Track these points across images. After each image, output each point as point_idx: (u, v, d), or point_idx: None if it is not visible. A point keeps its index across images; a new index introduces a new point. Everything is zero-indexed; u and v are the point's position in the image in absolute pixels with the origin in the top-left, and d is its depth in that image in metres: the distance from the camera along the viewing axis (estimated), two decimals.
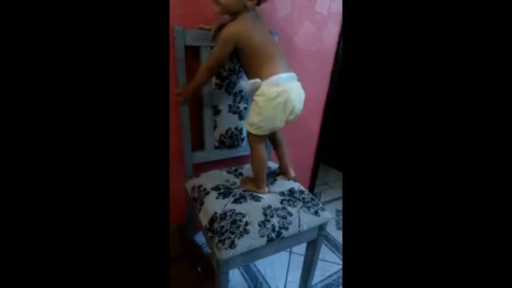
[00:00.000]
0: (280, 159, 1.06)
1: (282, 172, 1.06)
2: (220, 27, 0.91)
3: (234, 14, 0.82)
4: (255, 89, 0.85)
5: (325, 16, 1.22)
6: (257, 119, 0.86)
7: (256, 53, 0.82)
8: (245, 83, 0.87)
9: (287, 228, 0.84)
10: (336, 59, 1.36)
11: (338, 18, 1.26)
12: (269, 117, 0.84)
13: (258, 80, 0.82)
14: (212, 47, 0.94)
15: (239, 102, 1.05)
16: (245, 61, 0.86)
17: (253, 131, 0.89)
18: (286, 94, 0.82)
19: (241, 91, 1.04)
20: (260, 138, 0.91)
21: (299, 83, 0.87)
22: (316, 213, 0.91)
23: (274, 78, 0.81)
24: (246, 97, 1.06)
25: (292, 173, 1.06)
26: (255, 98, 0.85)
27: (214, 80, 0.98)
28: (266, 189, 0.96)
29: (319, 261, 1.04)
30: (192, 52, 0.94)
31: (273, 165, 1.13)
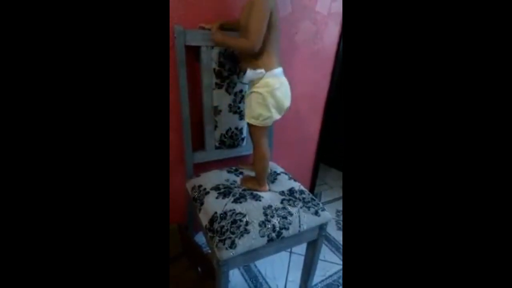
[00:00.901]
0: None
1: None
2: (221, 27, 0.91)
3: None
4: (256, 80, 0.86)
5: (325, 16, 1.22)
6: (263, 110, 0.87)
7: (271, 33, 0.82)
8: (250, 72, 0.87)
9: (287, 228, 0.84)
10: (336, 59, 1.36)
11: (339, 18, 1.26)
12: (276, 106, 0.88)
13: (263, 70, 0.85)
14: (212, 47, 0.94)
15: (240, 102, 1.05)
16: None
17: (259, 123, 0.90)
18: (283, 87, 0.88)
19: (241, 90, 1.03)
20: (265, 131, 0.93)
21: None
22: (316, 213, 0.91)
23: (275, 71, 0.86)
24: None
25: None
26: (257, 90, 0.86)
27: (214, 80, 0.98)
28: (267, 187, 0.96)
29: (319, 261, 1.04)
30: (193, 52, 0.94)
31: (273, 164, 1.13)
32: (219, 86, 0.99)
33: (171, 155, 1.08)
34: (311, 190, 1.70)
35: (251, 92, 0.88)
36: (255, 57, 0.85)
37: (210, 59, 0.94)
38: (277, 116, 0.91)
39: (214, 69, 0.96)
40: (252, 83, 0.89)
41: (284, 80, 0.89)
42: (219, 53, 0.95)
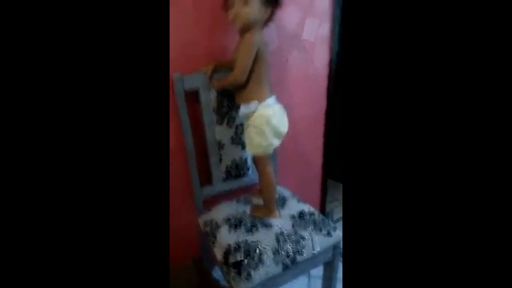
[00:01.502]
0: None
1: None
2: (215, 69, 0.97)
3: (249, 28, 0.86)
4: (251, 113, 0.91)
5: (313, 42, 1.28)
6: (262, 139, 0.91)
7: (260, 66, 0.88)
8: (243, 108, 0.92)
9: (301, 253, 0.86)
10: (330, 78, 1.40)
11: (326, 40, 1.32)
12: (273, 133, 0.91)
13: (256, 102, 0.89)
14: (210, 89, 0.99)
15: (241, 133, 1.09)
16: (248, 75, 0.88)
17: (261, 152, 0.94)
18: (278, 115, 0.92)
19: (241, 124, 1.08)
20: (268, 159, 0.96)
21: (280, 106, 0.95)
22: (328, 233, 0.92)
23: (267, 101, 0.90)
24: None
25: None
26: (253, 123, 0.91)
27: (214, 117, 1.03)
28: (278, 213, 0.99)
29: (338, 281, 1.03)
30: (192, 94, 1.00)
31: (280, 189, 1.15)
32: (220, 122, 1.04)
33: (180, 190, 1.11)
34: (322, 208, 1.69)
35: (248, 126, 0.93)
36: (247, 91, 0.91)
37: (208, 99, 1.00)
38: (276, 142, 0.94)
39: (213, 108, 1.02)
40: (247, 117, 0.94)
41: (277, 108, 0.93)
42: (217, 92, 1.01)
